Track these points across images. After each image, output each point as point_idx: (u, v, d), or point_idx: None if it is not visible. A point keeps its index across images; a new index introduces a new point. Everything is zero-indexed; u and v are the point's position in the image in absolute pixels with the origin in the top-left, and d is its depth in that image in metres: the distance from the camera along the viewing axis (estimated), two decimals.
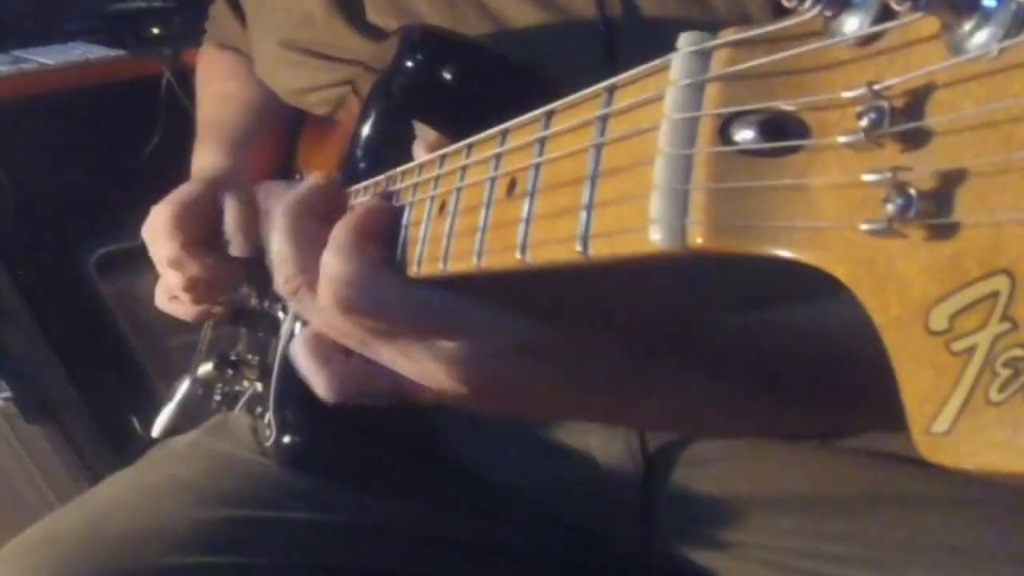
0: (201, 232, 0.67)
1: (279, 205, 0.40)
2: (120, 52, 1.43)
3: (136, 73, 1.40)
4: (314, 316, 0.38)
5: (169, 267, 0.67)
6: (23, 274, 1.34)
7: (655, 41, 0.25)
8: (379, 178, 0.42)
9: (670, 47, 0.25)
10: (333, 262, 0.35)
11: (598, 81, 0.27)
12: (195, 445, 0.69)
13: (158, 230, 0.66)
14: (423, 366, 0.36)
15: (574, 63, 0.45)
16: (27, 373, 1.33)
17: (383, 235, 0.38)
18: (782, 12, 0.21)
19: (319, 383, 0.39)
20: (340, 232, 0.36)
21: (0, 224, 1.33)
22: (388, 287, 0.35)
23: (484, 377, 0.35)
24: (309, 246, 0.38)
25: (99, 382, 1.37)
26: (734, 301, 0.39)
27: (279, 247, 0.39)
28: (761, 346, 0.40)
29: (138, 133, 1.37)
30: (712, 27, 0.24)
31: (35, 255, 1.36)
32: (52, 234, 1.36)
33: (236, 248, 0.68)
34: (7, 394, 1.30)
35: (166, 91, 1.38)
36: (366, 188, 0.44)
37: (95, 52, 1.42)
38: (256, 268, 0.73)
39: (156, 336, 1.35)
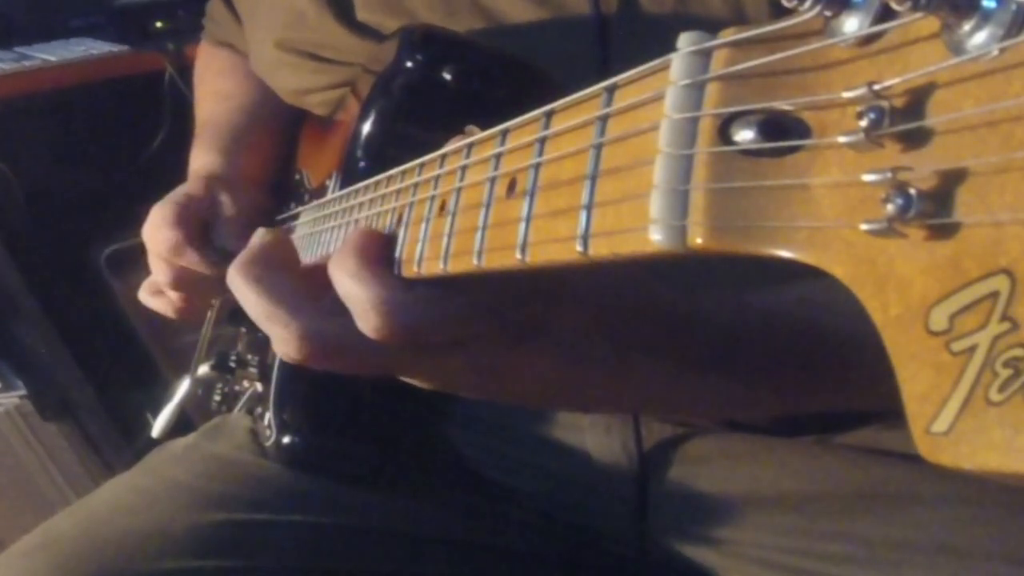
0: (198, 229, 0.68)
1: (234, 269, 0.38)
2: (123, 48, 1.42)
3: (139, 69, 1.40)
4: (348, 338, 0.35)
5: (169, 256, 0.67)
6: (35, 272, 1.34)
7: (649, 38, 0.25)
8: (379, 177, 0.42)
9: (664, 44, 0.24)
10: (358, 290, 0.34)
11: (591, 78, 0.27)
12: (192, 448, 0.69)
13: (159, 225, 0.67)
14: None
15: (567, 60, 0.44)
16: (42, 371, 1.34)
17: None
18: (780, 10, 0.21)
19: (285, 335, 0.35)
20: (350, 261, 0.35)
21: (10, 222, 1.33)
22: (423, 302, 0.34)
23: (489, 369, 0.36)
24: (284, 294, 0.36)
25: (113, 379, 1.38)
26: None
27: (254, 305, 0.37)
28: (733, 330, 0.39)
29: (143, 129, 1.37)
30: (708, 25, 0.24)
31: (46, 253, 1.36)
32: (61, 232, 1.36)
33: (228, 242, 0.69)
34: (23, 392, 1.31)
35: (169, 86, 1.38)
36: (366, 188, 0.44)
37: (97, 48, 1.42)
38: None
39: (168, 332, 1.35)
